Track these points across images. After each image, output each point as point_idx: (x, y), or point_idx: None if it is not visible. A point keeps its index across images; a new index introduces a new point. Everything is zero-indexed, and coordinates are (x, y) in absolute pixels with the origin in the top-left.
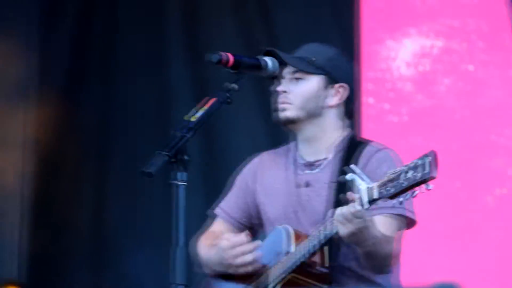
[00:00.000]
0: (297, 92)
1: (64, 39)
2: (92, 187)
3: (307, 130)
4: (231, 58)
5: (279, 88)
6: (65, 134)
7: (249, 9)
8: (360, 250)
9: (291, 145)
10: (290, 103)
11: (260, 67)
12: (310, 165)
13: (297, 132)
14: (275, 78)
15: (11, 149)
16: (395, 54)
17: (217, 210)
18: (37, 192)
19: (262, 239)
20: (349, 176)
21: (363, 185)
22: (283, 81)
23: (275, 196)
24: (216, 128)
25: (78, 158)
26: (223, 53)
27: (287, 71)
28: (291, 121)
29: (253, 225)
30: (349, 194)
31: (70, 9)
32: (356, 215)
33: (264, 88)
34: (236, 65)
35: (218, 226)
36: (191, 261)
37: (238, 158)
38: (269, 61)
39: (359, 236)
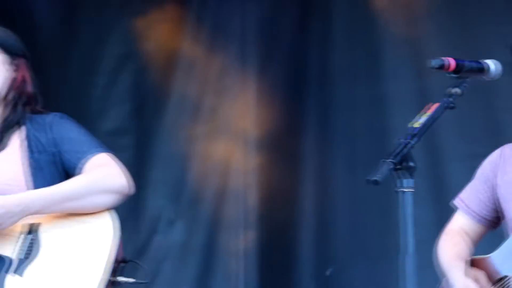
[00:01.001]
0: None
1: (283, 50)
2: (311, 197)
3: None
4: (452, 62)
5: None
6: (285, 141)
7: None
8: None
9: None
10: None
11: (483, 70)
12: None
13: None
14: None
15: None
16: None
17: (457, 201)
18: (261, 197)
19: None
20: None
21: None
22: None
23: None
24: (436, 133)
25: (298, 168)
26: (444, 58)
27: None
28: None
29: (494, 219)
30: None
31: (287, 19)
32: None
33: (484, 91)
34: (458, 69)
35: (458, 221)
36: (421, 269)
37: (458, 164)
38: (491, 63)
39: None
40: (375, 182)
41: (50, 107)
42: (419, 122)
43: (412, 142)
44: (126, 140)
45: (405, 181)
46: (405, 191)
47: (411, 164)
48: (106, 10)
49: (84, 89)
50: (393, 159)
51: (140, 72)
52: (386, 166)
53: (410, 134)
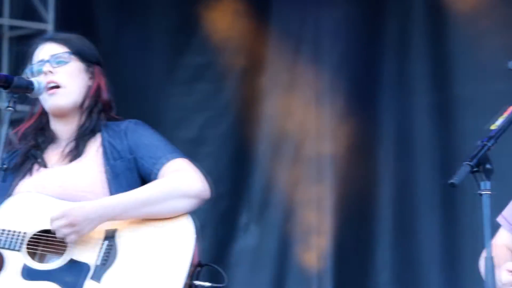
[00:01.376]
0: None
1: (357, 52)
2: (391, 203)
3: None
4: None
5: None
6: (362, 144)
7: None
8: None
9: None
10: None
11: None
12: None
13: None
14: None
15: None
16: None
17: (500, 218)
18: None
19: None
20: None
21: None
22: None
23: None
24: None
25: (374, 171)
26: None
27: None
28: None
29: None
30: None
31: (362, 22)
32: None
33: None
34: None
35: (500, 237)
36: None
37: None
38: None
39: None
40: (452, 185)
41: (128, 115)
42: (496, 124)
43: (488, 144)
44: (204, 148)
45: (482, 184)
46: (482, 194)
47: (488, 166)
48: (182, 20)
49: (162, 97)
50: (470, 161)
51: (217, 81)
52: (463, 169)
53: (487, 136)
